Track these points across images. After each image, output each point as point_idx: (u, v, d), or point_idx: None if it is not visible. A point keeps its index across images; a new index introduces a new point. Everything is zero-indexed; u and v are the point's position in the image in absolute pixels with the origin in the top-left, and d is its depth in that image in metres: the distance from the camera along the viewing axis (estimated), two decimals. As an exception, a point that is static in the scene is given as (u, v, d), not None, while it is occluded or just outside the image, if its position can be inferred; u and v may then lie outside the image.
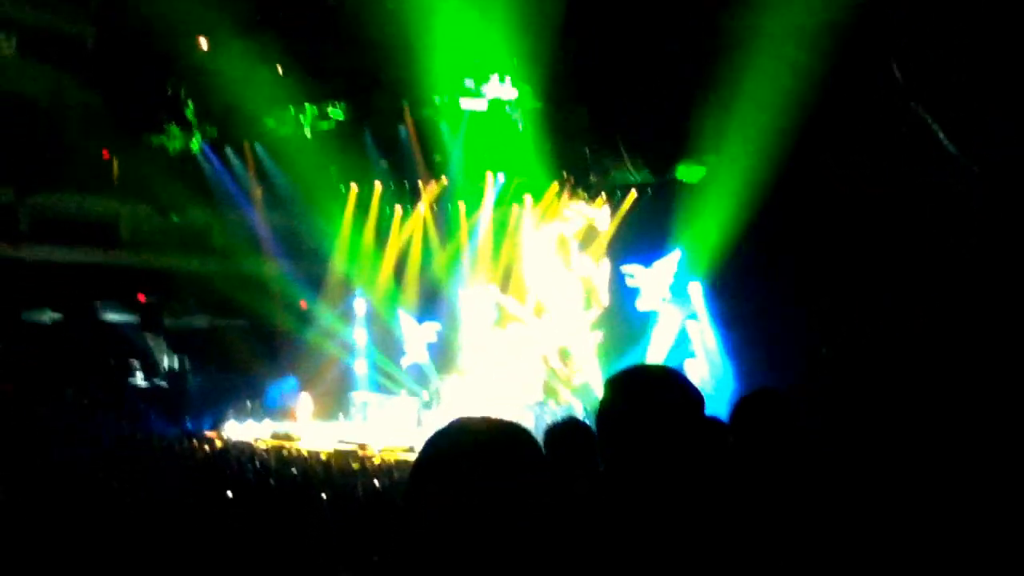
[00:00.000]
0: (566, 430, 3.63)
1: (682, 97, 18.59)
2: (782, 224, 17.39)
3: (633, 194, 22.17)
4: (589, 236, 22.90)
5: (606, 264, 22.34)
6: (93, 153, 26.13)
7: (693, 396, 1.99)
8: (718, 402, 18.79)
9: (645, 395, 1.96)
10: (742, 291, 18.90)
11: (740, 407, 3.28)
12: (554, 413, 19.86)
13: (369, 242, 25.48)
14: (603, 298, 22.24)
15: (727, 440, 3.03)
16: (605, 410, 2.03)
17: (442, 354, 23.55)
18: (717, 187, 18.70)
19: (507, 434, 1.58)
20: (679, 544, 1.72)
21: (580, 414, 19.83)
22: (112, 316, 27.20)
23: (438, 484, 1.44)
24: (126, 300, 27.39)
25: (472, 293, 23.45)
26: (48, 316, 26.00)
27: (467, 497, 1.39)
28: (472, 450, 1.50)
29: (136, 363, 26.40)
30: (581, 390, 21.45)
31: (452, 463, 1.47)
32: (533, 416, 19.57)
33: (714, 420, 3.20)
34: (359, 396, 23.26)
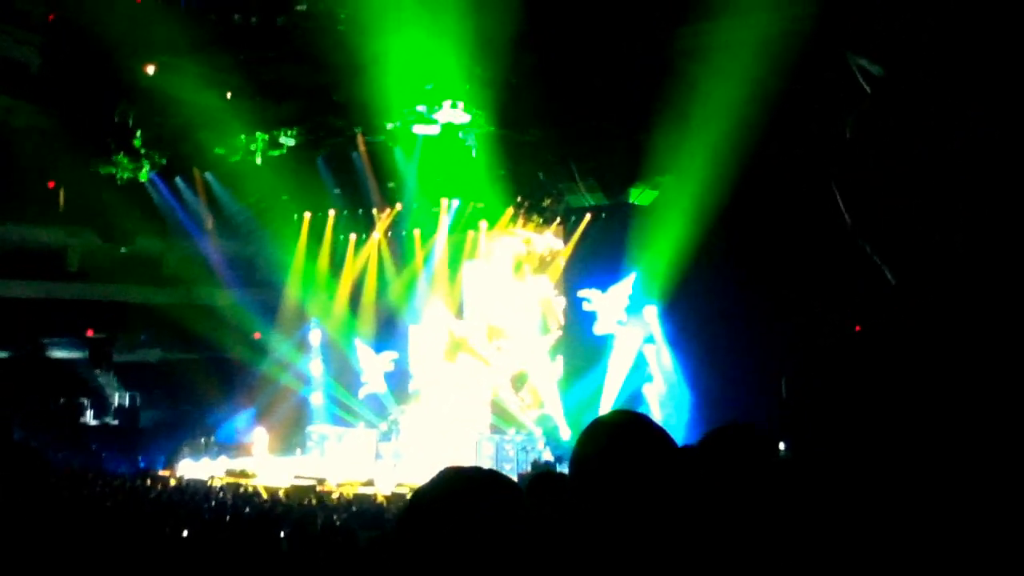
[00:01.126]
0: (543, 479, 3.59)
1: (634, 120, 18.73)
2: (736, 245, 17.56)
3: (587, 217, 22.24)
4: (544, 260, 22.93)
5: (561, 288, 22.38)
6: (39, 181, 25.60)
7: (662, 441, 2.03)
8: (676, 424, 18.86)
9: (614, 444, 1.99)
10: (698, 313, 19.03)
11: (707, 442, 3.21)
12: (515, 441, 19.78)
13: (324, 270, 25.24)
14: (559, 321, 22.26)
15: (698, 472, 2.98)
16: (577, 461, 2.05)
17: (400, 383, 23.35)
18: (670, 209, 18.83)
19: (490, 481, 1.68)
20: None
21: (540, 441, 19.77)
22: (60, 352, 26.57)
23: (429, 528, 1.55)
24: (75, 334, 26.78)
25: (424, 325, 23.34)
26: (-5, 354, 25.34)
27: (456, 541, 1.51)
28: (458, 499, 1.61)
29: (86, 401, 25.80)
30: (540, 418, 21.38)
31: (440, 510, 1.57)
32: (493, 445, 19.48)
33: (685, 449, 3.13)
34: (316, 429, 22.96)
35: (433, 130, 20.83)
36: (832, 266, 15.87)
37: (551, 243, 22.92)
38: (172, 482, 17.64)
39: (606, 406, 19.83)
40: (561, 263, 22.76)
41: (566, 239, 22.79)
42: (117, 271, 26.46)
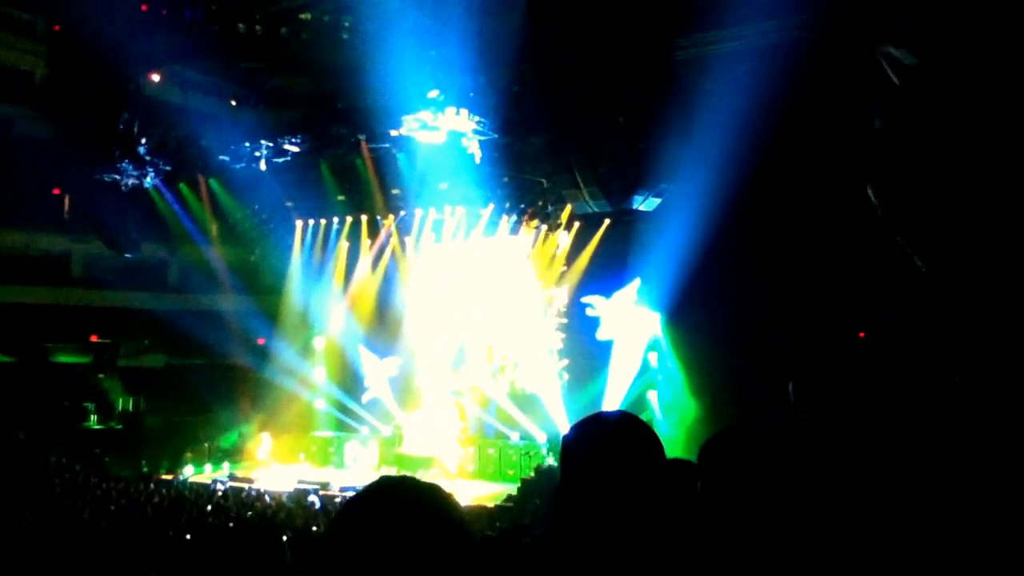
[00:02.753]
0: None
1: (638, 128, 18.76)
2: (739, 251, 17.56)
3: (591, 224, 22.25)
4: (548, 266, 22.95)
5: (565, 293, 22.40)
6: (43, 189, 25.67)
7: (651, 445, 2.00)
8: (678, 431, 18.85)
9: (603, 448, 1.96)
10: (701, 319, 19.02)
11: (707, 448, 3.21)
12: (517, 447, 19.80)
13: (327, 276, 25.29)
14: (561, 324, 22.28)
15: (695, 485, 2.97)
16: (565, 465, 2.01)
17: (404, 389, 23.36)
18: (674, 216, 18.84)
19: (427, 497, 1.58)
20: None
21: (543, 447, 19.76)
22: (64, 357, 26.62)
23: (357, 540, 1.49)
24: (79, 340, 26.84)
25: (426, 332, 23.35)
26: (-1, 359, 25.40)
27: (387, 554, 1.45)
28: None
29: (90, 405, 25.84)
30: (543, 424, 21.35)
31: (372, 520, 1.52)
32: (496, 451, 19.49)
33: (683, 463, 3.13)
34: (319, 435, 22.96)
35: (437, 137, 20.88)
36: (836, 272, 15.87)
37: (554, 250, 22.95)
38: (176, 487, 17.65)
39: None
40: (564, 270, 22.77)
41: (570, 246, 22.81)
42: (121, 277, 26.53)
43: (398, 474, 1.64)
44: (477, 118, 20.17)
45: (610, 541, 1.87)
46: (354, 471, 19.66)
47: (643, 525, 1.89)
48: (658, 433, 2.07)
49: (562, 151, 20.63)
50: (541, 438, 20.49)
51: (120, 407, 26.47)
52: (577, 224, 22.62)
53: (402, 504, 1.51)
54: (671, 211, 19.14)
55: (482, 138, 20.74)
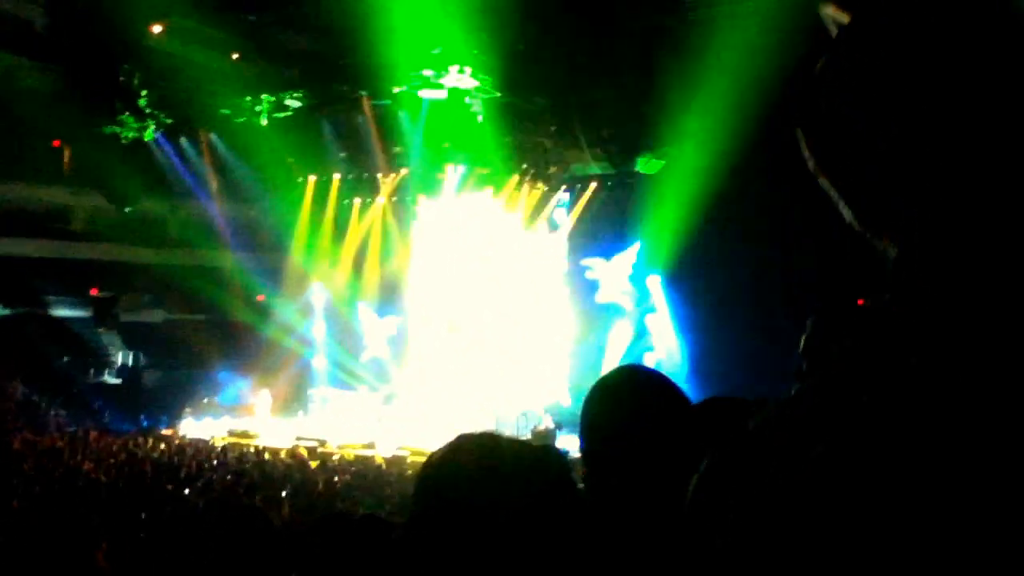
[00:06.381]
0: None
1: (642, 89, 18.61)
2: (742, 215, 17.50)
3: (593, 186, 22.18)
4: (547, 228, 22.92)
5: (564, 255, 22.38)
6: (43, 142, 25.55)
7: (683, 402, 1.90)
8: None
9: (641, 405, 1.86)
10: (701, 283, 19.03)
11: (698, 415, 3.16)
12: (515, 410, 19.84)
13: (328, 234, 25.25)
14: (562, 288, 22.27)
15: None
16: (593, 419, 1.89)
17: (402, 348, 23.43)
18: (676, 179, 18.76)
19: (528, 454, 1.50)
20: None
21: (543, 410, 19.80)
22: (64, 311, 26.69)
23: (445, 503, 1.42)
24: (79, 294, 26.90)
25: (425, 292, 23.31)
26: (-1, 311, 25.47)
27: (472, 518, 1.38)
28: (476, 470, 1.45)
29: (90, 360, 25.97)
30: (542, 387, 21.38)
31: (456, 482, 1.44)
32: (493, 411, 19.55)
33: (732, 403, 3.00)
34: (318, 392, 23.08)
35: (439, 95, 20.71)
36: (842, 236, 15.80)
37: (555, 211, 22.89)
38: (176, 441, 17.79)
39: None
40: (565, 231, 22.73)
41: (570, 207, 22.74)
42: (122, 232, 26.50)
43: (477, 432, 1.56)
44: (481, 76, 20.02)
45: (652, 502, 1.80)
46: (352, 428, 19.75)
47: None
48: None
49: (565, 111, 20.50)
50: (539, 401, 20.55)
51: (120, 362, 26.60)
52: (579, 185, 22.55)
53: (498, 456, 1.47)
54: (673, 174, 19.04)
55: (485, 97, 20.59)
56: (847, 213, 0.87)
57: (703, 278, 18.79)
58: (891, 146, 0.79)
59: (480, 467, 1.44)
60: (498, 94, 20.42)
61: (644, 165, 20.34)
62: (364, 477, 13.02)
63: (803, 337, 2.94)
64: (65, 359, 25.17)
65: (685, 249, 18.86)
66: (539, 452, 1.48)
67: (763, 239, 17.35)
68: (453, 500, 1.42)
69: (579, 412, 1.92)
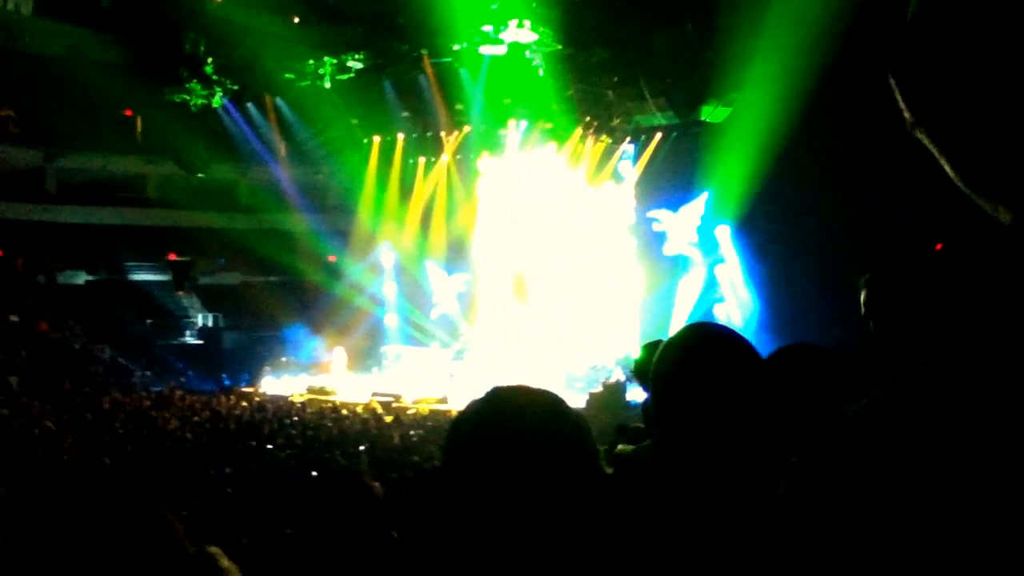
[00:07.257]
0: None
1: (706, 36, 18.25)
2: (811, 161, 17.14)
3: (658, 137, 21.88)
4: (613, 180, 22.72)
5: (631, 208, 22.20)
6: (115, 112, 26.20)
7: (754, 358, 1.90)
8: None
9: (711, 362, 1.85)
10: (771, 232, 18.75)
11: (770, 364, 3.11)
12: (585, 361, 19.89)
13: (394, 194, 25.45)
14: (630, 241, 22.12)
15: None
16: (662, 379, 1.90)
17: (471, 304, 23.62)
18: (743, 127, 18.40)
19: (547, 406, 1.48)
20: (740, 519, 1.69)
21: (610, 360, 19.81)
22: (144, 276, 27.55)
23: (477, 459, 1.40)
24: (157, 259, 27.72)
25: (493, 249, 23.31)
26: (82, 278, 26.39)
27: (508, 473, 1.35)
28: (512, 424, 1.47)
29: (171, 321, 26.81)
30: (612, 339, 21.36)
31: (491, 437, 1.41)
32: (563, 365, 19.61)
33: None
34: (391, 349, 23.45)
35: (499, 50, 20.59)
36: (913, 182, 15.40)
37: (619, 163, 22.68)
38: (256, 399, 18.31)
39: (676, 327, 19.71)
40: (630, 184, 22.52)
41: (635, 159, 22.51)
42: (194, 198, 27.12)
43: (511, 385, 1.60)
44: (540, 29, 19.83)
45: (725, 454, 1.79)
46: (425, 383, 20.07)
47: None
48: None
49: (627, 62, 20.20)
50: (610, 354, 20.57)
51: (200, 324, 27.40)
52: (643, 137, 22.27)
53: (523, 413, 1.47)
54: (740, 122, 18.68)
55: (545, 50, 20.40)
56: (951, 171, 0.82)
57: (772, 227, 18.51)
58: (1009, 104, 0.73)
59: (482, 424, 1.42)
60: (558, 47, 20.21)
61: (710, 113, 19.95)
62: (438, 432, 13.26)
63: (861, 298, 2.89)
64: (148, 322, 26.03)
65: (753, 198, 18.56)
66: (548, 415, 1.43)
67: (831, 186, 16.98)
68: (464, 454, 1.41)
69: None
